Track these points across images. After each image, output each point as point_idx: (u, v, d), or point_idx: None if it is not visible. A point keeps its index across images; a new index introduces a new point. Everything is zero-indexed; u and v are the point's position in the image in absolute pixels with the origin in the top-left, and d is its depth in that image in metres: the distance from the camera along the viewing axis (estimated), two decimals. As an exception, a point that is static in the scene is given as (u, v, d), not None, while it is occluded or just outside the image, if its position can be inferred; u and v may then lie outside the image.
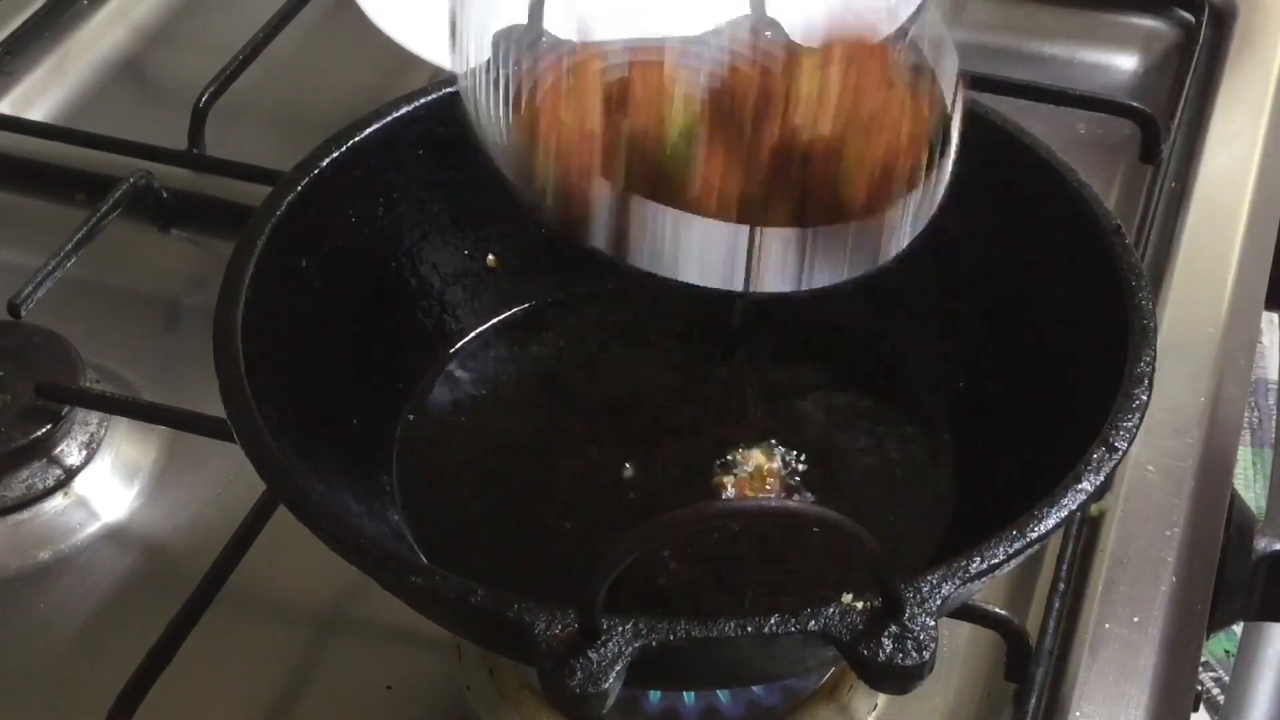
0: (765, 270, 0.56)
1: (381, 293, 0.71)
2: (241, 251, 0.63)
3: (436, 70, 0.93)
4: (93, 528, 0.76)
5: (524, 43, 0.73)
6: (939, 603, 0.50)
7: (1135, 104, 0.95)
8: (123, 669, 0.66)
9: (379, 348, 0.70)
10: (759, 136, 0.58)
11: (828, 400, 0.71)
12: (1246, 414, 1.04)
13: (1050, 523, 0.53)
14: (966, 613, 0.67)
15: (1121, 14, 1.09)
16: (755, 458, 0.68)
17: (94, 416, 0.79)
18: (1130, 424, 0.56)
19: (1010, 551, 0.53)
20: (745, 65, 0.60)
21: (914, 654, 0.49)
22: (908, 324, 0.72)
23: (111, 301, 0.89)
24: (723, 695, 0.65)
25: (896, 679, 0.49)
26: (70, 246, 0.85)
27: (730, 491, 0.67)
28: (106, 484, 0.78)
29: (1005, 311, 0.69)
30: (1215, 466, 0.77)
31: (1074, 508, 0.54)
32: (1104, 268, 0.62)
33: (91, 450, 0.78)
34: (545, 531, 0.66)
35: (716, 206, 0.57)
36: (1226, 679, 1.19)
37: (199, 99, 0.93)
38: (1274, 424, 1.61)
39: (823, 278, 0.57)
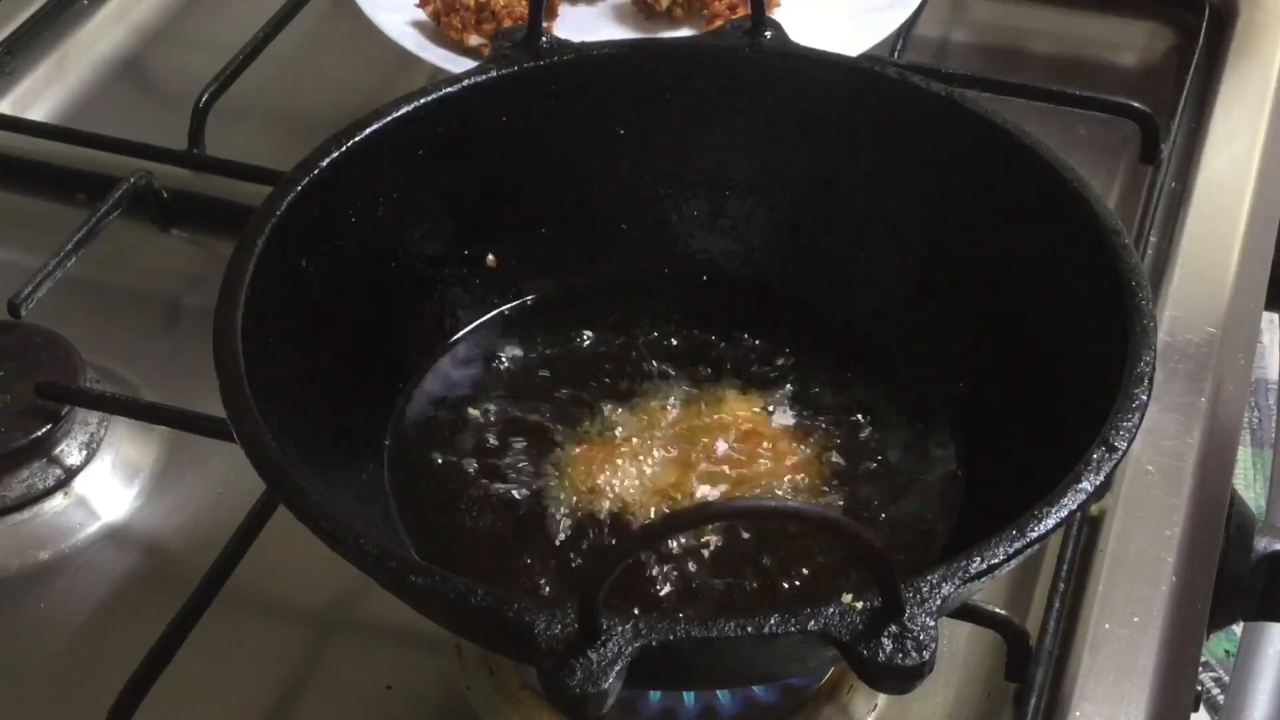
0: None
1: (381, 293, 0.71)
2: (241, 251, 0.63)
3: (436, 70, 0.93)
4: (93, 528, 0.76)
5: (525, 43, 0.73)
6: (939, 603, 0.50)
7: (1135, 104, 0.95)
8: (123, 669, 0.66)
9: (379, 347, 0.71)
10: None
11: (826, 400, 0.71)
12: (1246, 414, 1.04)
13: (1050, 523, 0.53)
14: (966, 613, 0.67)
15: (1121, 14, 1.09)
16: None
17: (94, 416, 0.79)
18: (1130, 424, 0.56)
19: (1010, 551, 0.53)
20: None
21: (914, 654, 0.49)
22: (907, 325, 0.72)
23: (111, 301, 0.89)
24: (722, 695, 0.65)
25: (896, 679, 0.49)
26: (70, 246, 0.85)
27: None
28: (106, 484, 0.78)
29: (1005, 311, 0.69)
30: (1215, 466, 0.77)
31: (1074, 508, 0.54)
32: (1104, 268, 0.62)
33: (91, 450, 0.78)
34: (545, 530, 0.66)
35: None
36: (1226, 679, 1.19)
37: (199, 99, 0.93)
38: (1274, 424, 1.61)
39: None
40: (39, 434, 0.76)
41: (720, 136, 0.75)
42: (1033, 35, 1.08)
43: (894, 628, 0.49)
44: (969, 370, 0.70)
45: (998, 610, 0.68)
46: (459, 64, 0.92)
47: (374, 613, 0.71)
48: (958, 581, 0.51)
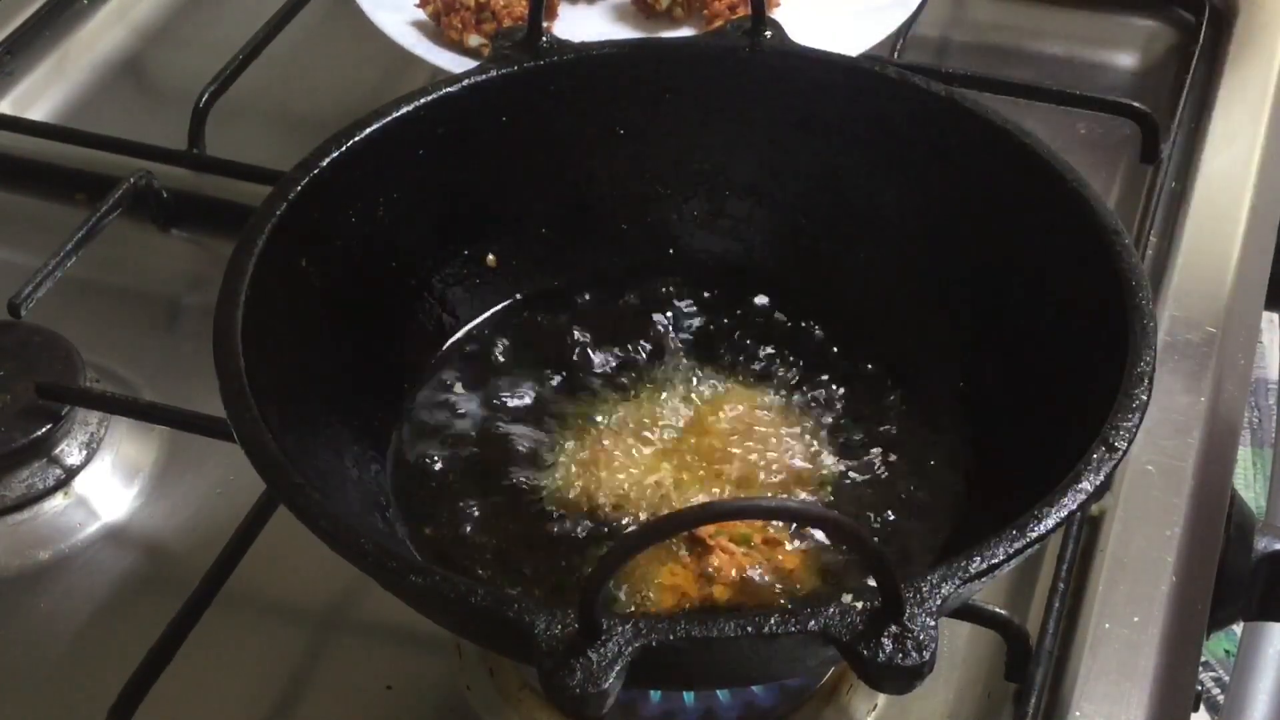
0: None
1: (381, 293, 0.71)
2: (241, 251, 0.63)
3: (436, 70, 0.93)
4: (93, 528, 0.76)
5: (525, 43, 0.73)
6: (939, 603, 0.50)
7: (1135, 104, 0.95)
8: (123, 669, 0.66)
9: (379, 347, 0.70)
10: None
11: (827, 399, 0.71)
12: (1246, 414, 1.04)
13: (1050, 523, 0.53)
14: (966, 613, 0.67)
15: (1121, 14, 1.09)
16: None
17: (94, 416, 0.79)
18: (1130, 424, 0.56)
19: (1010, 551, 0.53)
20: None
21: (914, 654, 0.49)
22: (907, 324, 0.72)
23: (111, 301, 0.89)
24: (722, 696, 0.65)
25: (896, 679, 0.49)
26: (70, 246, 0.85)
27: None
28: (106, 484, 0.78)
29: (1005, 312, 0.69)
30: (1215, 466, 0.77)
31: (1074, 508, 0.54)
32: (1104, 268, 0.62)
33: (91, 450, 0.78)
34: (546, 529, 0.66)
35: None
36: (1226, 679, 1.19)
37: (199, 99, 0.93)
38: (1274, 424, 1.61)
39: None
40: (39, 434, 0.76)
41: (720, 136, 0.75)
42: (1032, 35, 1.08)
43: (894, 628, 0.49)
44: (969, 369, 0.70)
45: (998, 610, 0.68)
46: (459, 64, 0.92)
47: (374, 613, 0.71)
48: (958, 581, 0.51)
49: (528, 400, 0.71)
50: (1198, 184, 0.92)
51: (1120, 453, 0.56)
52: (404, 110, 0.70)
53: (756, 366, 0.72)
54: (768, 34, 0.74)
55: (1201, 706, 0.88)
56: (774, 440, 0.69)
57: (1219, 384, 0.80)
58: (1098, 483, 0.55)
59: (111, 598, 0.73)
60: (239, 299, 0.61)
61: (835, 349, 0.73)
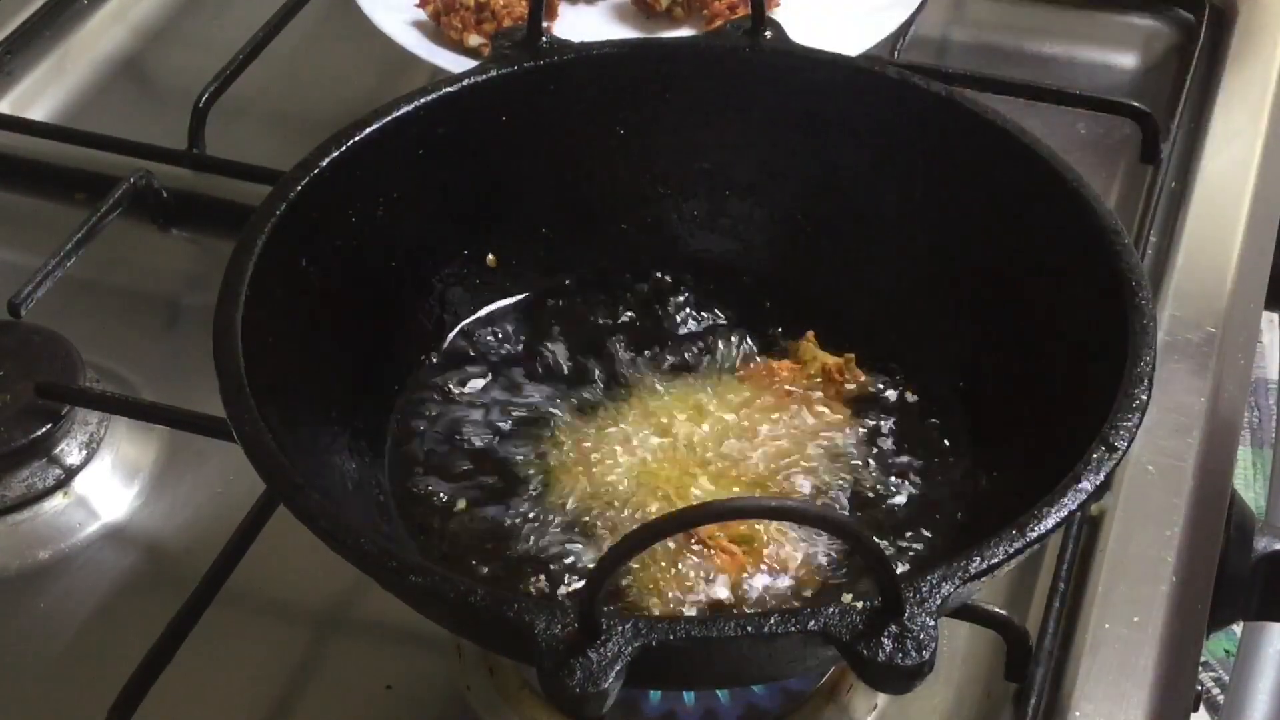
0: None
1: (381, 293, 0.71)
2: (241, 251, 0.63)
3: (436, 70, 0.93)
4: (93, 528, 0.76)
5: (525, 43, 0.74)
6: (939, 603, 0.50)
7: (1135, 104, 0.95)
8: (123, 669, 0.66)
9: (378, 347, 0.71)
10: None
11: (826, 398, 0.71)
12: (1246, 414, 1.04)
13: (1050, 523, 0.53)
14: (966, 613, 0.67)
15: (1121, 14, 1.09)
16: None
17: (94, 416, 0.79)
18: (1130, 424, 0.56)
19: (1010, 551, 0.53)
20: None
21: (914, 654, 0.49)
22: (907, 324, 0.72)
23: (111, 301, 0.89)
24: (722, 696, 0.65)
25: (896, 679, 0.49)
26: (70, 246, 0.85)
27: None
28: (106, 484, 0.78)
29: (1005, 311, 0.69)
30: (1215, 466, 0.77)
31: (1074, 508, 0.54)
32: (1104, 268, 0.62)
33: (91, 450, 0.78)
34: (546, 528, 0.66)
35: None
36: (1226, 679, 1.19)
37: (199, 99, 0.93)
38: (1274, 424, 1.62)
39: None
40: (39, 434, 0.76)
41: (720, 136, 0.75)
42: (1032, 35, 1.08)
43: (894, 628, 0.49)
44: (969, 369, 0.70)
45: (998, 610, 0.68)
46: (459, 64, 0.92)
47: (374, 613, 0.71)
48: (958, 581, 0.51)
49: (528, 400, 0.71)
50: (1198, 184, 0.92)
51: (1120, 453, 0.56)
52: (404, 110, 0.70)
53: (756, 366, 0.72)
54: (768, 34, 0.74)
55: (1201, 706, 0.88)
56: (773, 440, 0.69)
57: (1219, 384, 0.80)
58: (1098, 483, 0.55)
59: (111, 598, 0.73)
60: (239, 299, 0.61)
61: (834, 348, 0.73)
